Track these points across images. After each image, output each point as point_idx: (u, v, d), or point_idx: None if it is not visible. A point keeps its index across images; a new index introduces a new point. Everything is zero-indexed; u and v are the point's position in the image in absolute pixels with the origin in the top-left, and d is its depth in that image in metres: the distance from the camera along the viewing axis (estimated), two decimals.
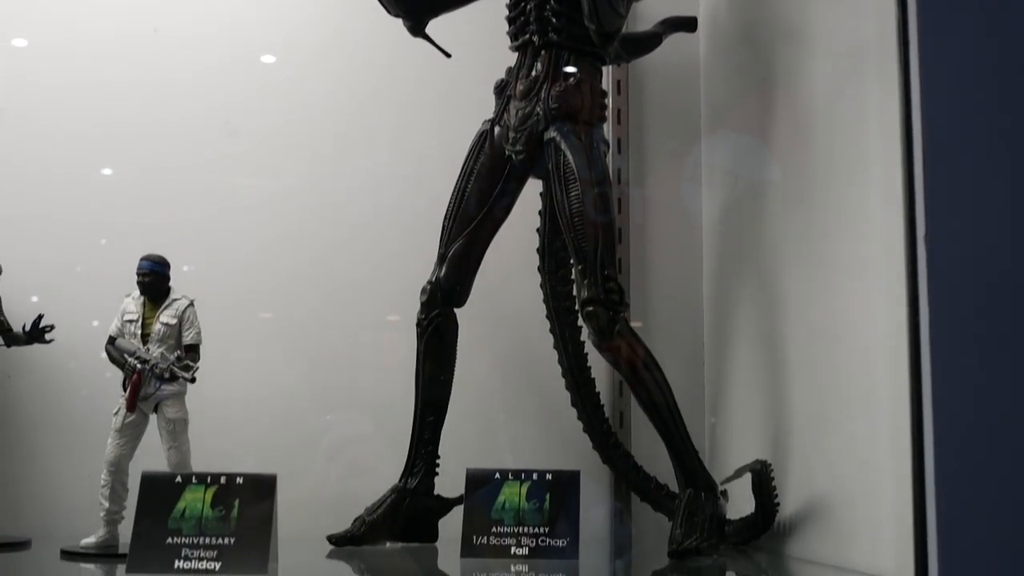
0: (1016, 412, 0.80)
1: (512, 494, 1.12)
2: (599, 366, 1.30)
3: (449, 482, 1.21)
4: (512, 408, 1.42)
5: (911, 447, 0.80)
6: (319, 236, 1.43)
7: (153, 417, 1.15)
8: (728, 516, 1.16)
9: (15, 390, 1.33)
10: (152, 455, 1.14)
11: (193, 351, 1.16)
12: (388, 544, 1.22)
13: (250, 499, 0.97)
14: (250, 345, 1.38)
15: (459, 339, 1.26)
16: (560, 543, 1.08)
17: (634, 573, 1.32)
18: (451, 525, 1.19)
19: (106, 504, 1.12)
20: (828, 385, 1.09)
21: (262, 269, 1.41)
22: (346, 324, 1.42)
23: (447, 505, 1.23)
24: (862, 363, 1.01)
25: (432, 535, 1.24)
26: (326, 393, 1.40)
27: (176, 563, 0.93)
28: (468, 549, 1.10)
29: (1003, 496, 0.78)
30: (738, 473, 1.13)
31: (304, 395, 1.39)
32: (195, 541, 0.94)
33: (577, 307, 1.19)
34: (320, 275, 1.42)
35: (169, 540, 0.95)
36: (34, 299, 1.25)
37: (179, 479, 0.99)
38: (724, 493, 1.16)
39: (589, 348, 1.24)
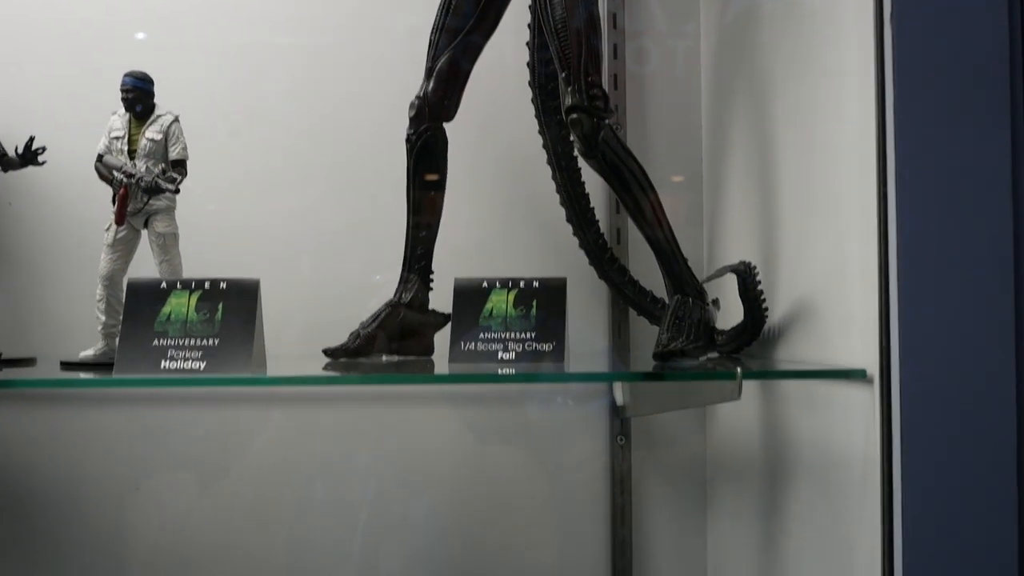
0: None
1: (499, 302, 1.12)
2: (594, 182, 1.29)
3: (443, 298, 1.21)
4: (506, 225, 1.41)
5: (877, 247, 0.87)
6: (313, 51, 1.40)
7: (145, 232, 1.16)
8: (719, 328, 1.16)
9: (16, 216, 1.33)
10: (146, 271, 1.15)
11: (180, 166, 1.15)
12: (384, 358, 1.23)
13: (233, 302, 0.98)
14: (243, 162, 1.37)
15: (450, 156, 1.24)
16: (546, 347, 1.08)
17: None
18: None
19: (102, 318, 1.13)
20: (814, 196, 1.08)
21: (254, 86, 1.39)
22: (339, 142, 1.40)
23: (442, 319, 1.23)
24: (836, 172, 1.00)
25: (428, 349, 1.25)
26: (319, 212, 1.39)
27: (163, 363, 0.95)
28: (456, 355, 1.11)
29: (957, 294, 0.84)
30: (720, 272, 1.12)
31: (297, 213, 1.38)
32: (180, 343, 0.96)
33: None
34: (314, 93, 1.39)
35: (155, 342, 0.96)
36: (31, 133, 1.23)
37: (164, 284, 1.00)
38: (716, 302, 1.15)
39: (582, 163, 1.22)
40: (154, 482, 1.31)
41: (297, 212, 1.36)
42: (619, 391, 1.34)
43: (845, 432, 0.96)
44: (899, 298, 0.85)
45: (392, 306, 1.25)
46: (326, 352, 1.23)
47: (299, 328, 1.24)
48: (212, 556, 1.30)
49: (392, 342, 1.24)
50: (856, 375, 0.91)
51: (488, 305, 1.12)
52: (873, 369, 0.88)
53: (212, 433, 1.32)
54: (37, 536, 1.28)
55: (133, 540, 1.31)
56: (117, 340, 1.13)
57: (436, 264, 1.23)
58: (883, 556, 0.86)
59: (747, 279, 1.09)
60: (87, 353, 1.14)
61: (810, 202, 1.08)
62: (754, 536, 1.22)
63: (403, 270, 1.24)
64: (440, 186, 1.24)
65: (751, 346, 1.14)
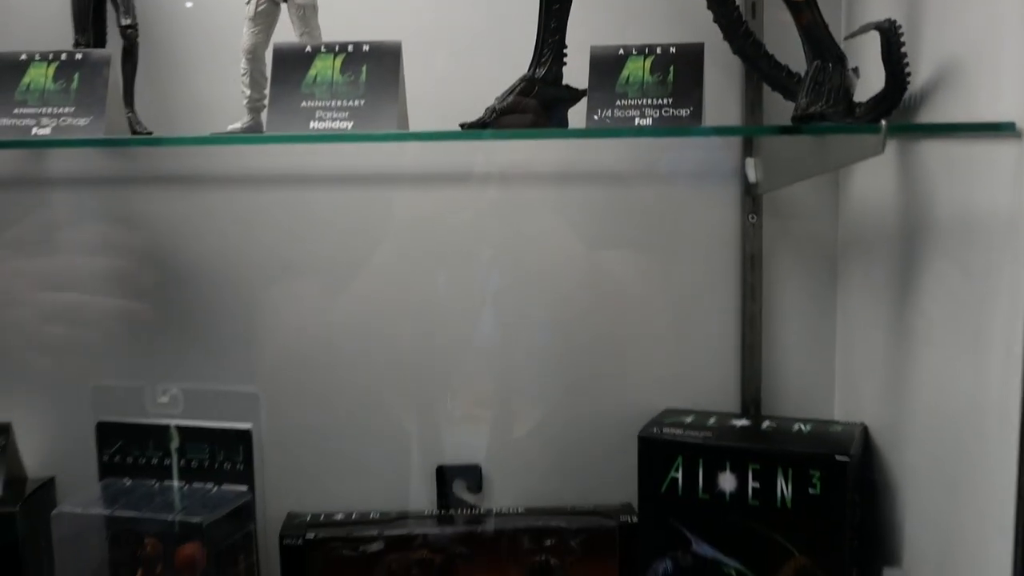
0: None
1: (636, 68, 1.13)
2: None
3: (576, 75, 1.22)
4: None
5: None
6: None
7: (284, 6, 1.19)
8: (858, 99, 1.15)
9: None
10: None
11: None
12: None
13: (377, 65, 1.02)
14: None
15: None
16: (684, 112, 1.09)
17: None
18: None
19: (247, 92, 1.18)
20: None
21: None
22: None
23: (576, 94, 1.25)
24: None
25: (562, 123, 1.27)
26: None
27: (311, 124, 1.01)
28: (592, 125, 1.13)
29: None
30: (863, 29, 1.09)
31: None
32: (328, 104, 1.01)
33: None
34: None
35: (303, 104, 1.02)
36: None
37: (309, 48, 1.04)
38: (855, 70, 1.13)
39: None
40: (288, 265, 1.38)
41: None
42: (751, 167, 1.35)
43: (989, 196, 0.95)
44: None
45: (526, 80, 1.27)
46: (463, 126, 1.28)
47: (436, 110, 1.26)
48: (337, 339, 1.39)
49: (526, 116, 1.28)
50: (1005, 128, 0.89)
51: (624, 72, 1.13)
52: None
53: (347, 214, 1.38)
54: (180, 317, 1.38)
55: (270, 321, 1.39)
56: (263, 113, 1.19)
57: (569, 39, 1.22)
58: None
59: (892, 38, 1.06)
60: (235, 126, 1.19)
61: None
62: (884, 311, 1.24)
63: (536, 45, 1.26)
64: None
65: (891, 115, 1.12)
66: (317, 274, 1.37)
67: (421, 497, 1.39)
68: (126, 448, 1.29)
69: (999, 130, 0.91)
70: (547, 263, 1.38)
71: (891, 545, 1.20)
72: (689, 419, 1.32)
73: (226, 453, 1.27)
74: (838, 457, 1.17)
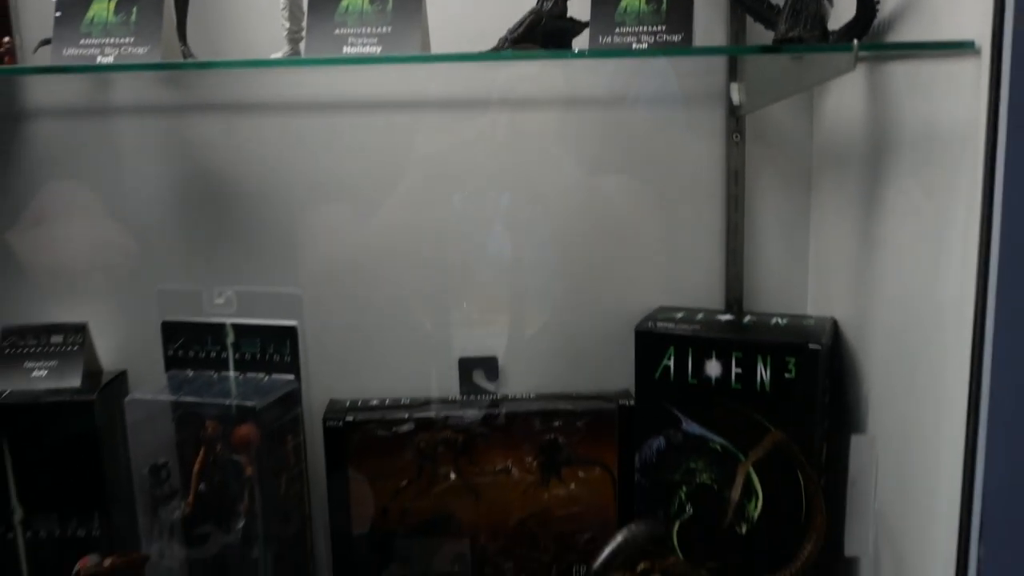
0: None
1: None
2: None
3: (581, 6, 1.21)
4: None
5: None
6: None
7: None
8: (832, 28, 1.13)
9: None
10: None
11: None
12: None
13: None
14: None
15: None
16: (676, 38, 1.09)
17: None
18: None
19: (287, 24, 1.18)
20: None
21: None
22: None
23: (580, 26, 1.24)
24: None
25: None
26: None
27: (344, 49, 1.01)
28: (594, 47, 1.12)
29: None
30: None
31: None
32: (358, 31, 1.02)
33: None
34: None
35: (336, 32, 1.02)
36: None
37: None
38: (830, 0, 1.12)
39: None
40: (325, 183, 1.39)
41: None
42: (735, 91, 1.35)
43: (950, 112, 0.95)
44: None
45: (535, 13, 1.26)
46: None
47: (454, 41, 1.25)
48: (370, 248, 1.40)
49: (535, 46, 1.27)
50: (965, 46, 0.89)
51: (622, 4, 1.12)
52: (983, 40, 0.85)
53: (375, 138, 1.38)
54: (233, 229, 1.40)
55: (311, 232, 1.40)
56: (301, 44, 1.18)
57: None
58: (981, 232, 0.86)
59: None
60: (277, 55, 1.19)
61: None
62: (853, 219, 1.26)
63: None
64: None
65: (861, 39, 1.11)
66: (350, 190, 1.39)
67: (446, 385, 1.41)
68: (187, 344, 1.32)
69: (959, 48, 0.91)
70: (551, 182, 1.39)
71: (857, 422, 1.22)
72: (680, 315, 1.34)
73: (275, 347, 1.30)
74: (811, 345, 1.19)
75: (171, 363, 1.31)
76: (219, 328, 1.30)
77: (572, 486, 1.36)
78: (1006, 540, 0.89)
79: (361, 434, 1.33)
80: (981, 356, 0.88)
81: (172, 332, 1.31)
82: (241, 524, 1.25)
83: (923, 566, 1.03)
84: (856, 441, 1.11)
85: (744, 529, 1.26)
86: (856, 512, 1.11)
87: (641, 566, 1.19)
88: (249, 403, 1.22)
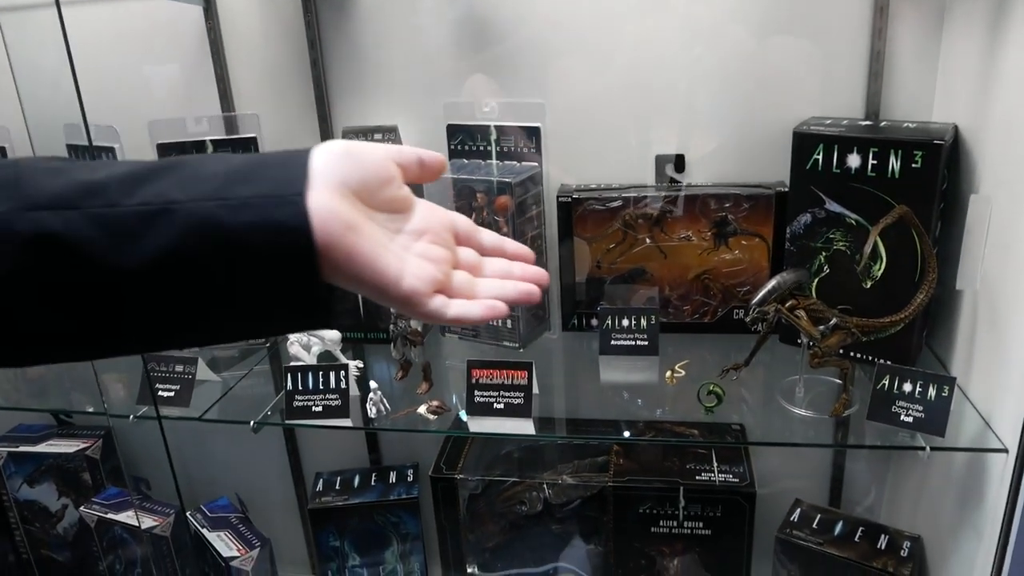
0: None
1: None
2: None
3: None
4: None
5: None
6: None
7: None
8: None
9: None
10: None
11: None
12: None
13: None
14: None
15: None
16: None
17: None
18: None
19: None
20: None
21: None
22: None
23: None
24: None
25: None
26: None
27: None
28: None
29: None
30: None
31: None
32: None
33: None
34: None
35: None
36: None
37: None
38: None
39: None
40: (562, 24, 1.55)
41: None
42: None
43: None
44: None
45: None
46: None
47: None
48: (595, 67, 1.57)
49: None
50: None
51: None
52: None
53: None
54: (499, 53, 1.57)
55: (553, 53, 1.56)
56: None
57: None
58: None
59: None
60: None
61: None
62: (977, 40, 1.33)
63: None
64: None
65: None
66: (580, 29, 1.57)
67: (645, 175, 1.62)
68: (464, 141, 1.53)
69: None
70: (723, 8, 1.52)
71: (967, 208, 1.34)
72: (828, 121, 1.50)
73: (524, 142, 1.55)
74: (935, 140, 1.27)
75: (452, 155, 1.52)
76: (485, 129, 1.49)
77: (736, 252, 1.54)
78: None
79: (583, 208, 1.52)
80: None
81: (453, 132, 1.51)
82: None
83: (1015, 307, 1.18)
84: (974, 200, 1.25)
85: (869, 285, 1.48)
86: (969, 254, 1.23)
87: (789, 303, 1.44)
88: (506, 179, 1.43)
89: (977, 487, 1.33)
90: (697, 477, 1.59)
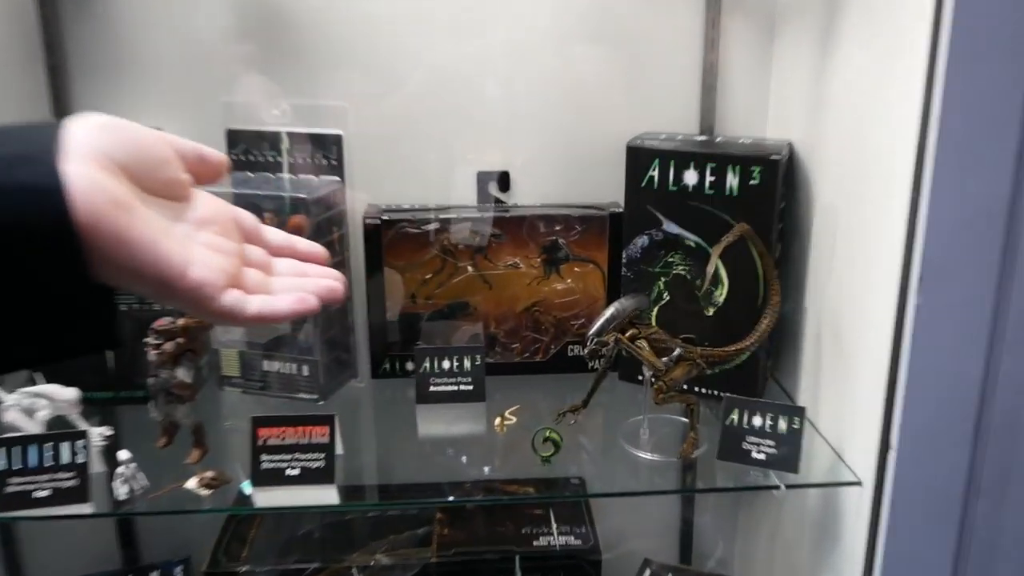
0: None
1: None
2: None
3: None
4: None
5: None
6: None
7: None
8: None
9: None
10: None
11: None
12: None
13: None
14: None
15: None
16: None
17: None
18: None
19: None
20: None
21: None
22: None
23: None
24: None
25: None
26: None
27: None
28: None
29: None
30: None
31: None
32: None
33: None
34: None
35: None
36: None
37: None
38: None
39: None
40: (369, 19, 1.38)
41: None
42: None
43: None
44: None
45: None
46: None
47: None
48: (406, 70, 1.41)
49: None
50: None
51: None
52: None
53: None
54: (289, 50, 1.39)
55: (356, 54, 1.39)
56: None
57: None
58: (927, 67, 0.91)
59: None
60: None
61: None
62: (807, 57, 1.30)
63: None
64: None
65: None
66: (391, 23, 1.39)
67: (466, 194, 1.46)
68: (248, 149, 1.34)
69: None
70: (551, 19, 1.41)
71: (806, 226, 1.32)
72: (663, 136, 1.41)
73: (323, 153, 1.33)
74: (772, 156, 1.27)
75: (235, 166, 1.31)
76: (276, 136, 1.31)
77: (569, 280, 1.44)
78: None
79: (394, 231, 1.37)
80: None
81: (235, 139, 1.31)
82: None
83: (859, 330, 1.13)
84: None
85: (711, 312, 1.36)
86: None
87: (630, 332, 1.27)
88: (300, 195, 1.24)
89: (832, 525, 1.22)
90: (535, 542, 1.39)
